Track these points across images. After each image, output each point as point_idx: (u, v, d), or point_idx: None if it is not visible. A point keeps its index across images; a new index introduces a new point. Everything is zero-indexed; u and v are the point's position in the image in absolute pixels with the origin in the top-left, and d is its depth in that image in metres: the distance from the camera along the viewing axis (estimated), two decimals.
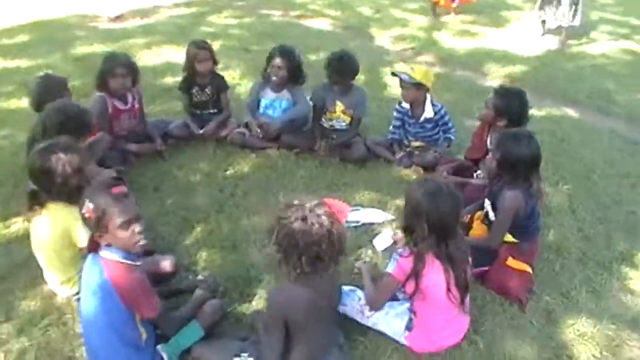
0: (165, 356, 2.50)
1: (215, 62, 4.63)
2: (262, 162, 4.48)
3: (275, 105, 4.64)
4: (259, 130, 4.53)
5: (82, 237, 2.73)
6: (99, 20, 8.19)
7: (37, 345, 2.69)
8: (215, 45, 5.85)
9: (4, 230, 3.51)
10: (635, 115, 5.87)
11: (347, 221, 3.66)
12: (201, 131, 4.61)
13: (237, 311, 2.95)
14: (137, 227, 2.30)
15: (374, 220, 3.75)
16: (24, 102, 5.15)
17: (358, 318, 2.83)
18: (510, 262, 3.15)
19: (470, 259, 2.69)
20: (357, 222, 3.70)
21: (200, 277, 3.11)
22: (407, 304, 2.79)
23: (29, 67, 6.23)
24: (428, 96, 4.34)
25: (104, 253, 2.32)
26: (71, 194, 2.74)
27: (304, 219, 2.21)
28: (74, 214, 2.73)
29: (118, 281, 2.26)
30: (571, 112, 5.86)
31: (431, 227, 2.53)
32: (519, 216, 3.09)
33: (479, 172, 4.05)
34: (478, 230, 3.41)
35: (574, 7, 7.72)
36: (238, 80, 6.00)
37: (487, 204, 3.30)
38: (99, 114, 3.99)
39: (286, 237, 2.24)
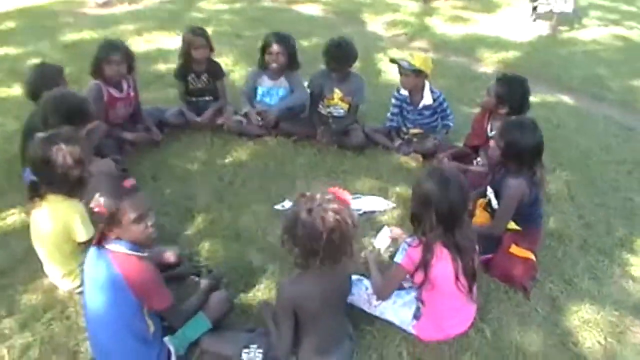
0: (172, 348, 2.47)
1: (211, 49, 4.55)
2: (260, 149, 4.44)
3: (273, 93, 4.60)
4: (259, 119, 4.48)
5: (81, 231, 2.69)
6: (86, 6, 8.02)
7: (40, 340, 2.64)
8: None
9: (0, 223, 3.44)
10: (628, 101, 5.90)
11: None
12: (199, 119, 4.54)
13: (242, 302, 2.93)
14: (149, 220, 2.27)
15: (376, 208, 3.74)
16: (14, 90, 5.07)
17: (365, 308, 2.83)
18: (514, 249, 3.15)
19: (477, 247, 2.69)
20: (359, 210, 3.68)
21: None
22: (414, 293, 2.79)
23: (18, 54, 6.11)
24: (427, 83, 4.32)
25: (112, 246, 2.27)
26: (72, 186, 2.71)
27: (310, 211, 2.18)
28: (74, 207, 2.70)
29: (130, 274, 2.22)
30: (566, 99, 5.88)
31: (440, 217, 2.51)
32: (522, 204, 3.10)
33: (478, 159, 4.05)
34: (481, 217, 3.40)
35: None
36: (231, 67, 5.93)
37: (490, 191, 3.30)
38: (95, 102, 3.87)
39: (290, 226, 2.22)
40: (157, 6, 8.21)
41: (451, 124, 4.47)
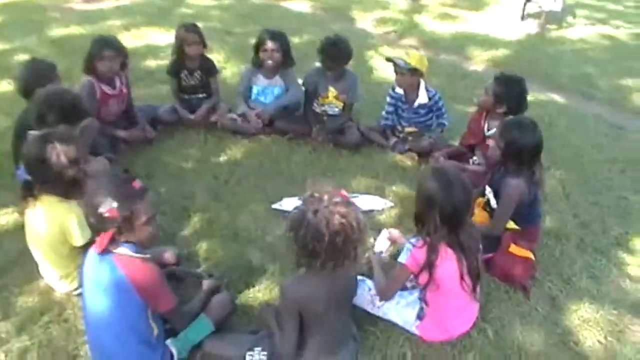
0: (174, 351, 2.43)
1: (204, 46, 4.50)
2: (255, 147, 4.40)
3: (268, 92, 4.56)
4: (259, 122, 4.44)
5: (77, 235, 2.64)
6: (72, 1, 7.89)
7: (38, 343, 2.58)
8: None
9: None
10: (616, 100, 5.96)
11: None
12: (192, 116, 4.49)
13: (242, 303, 2.89)
14: (156, 220, 2.23)
15: (373, 207, 3.72)
16: (2, 86, 4.97)
17: (368, 308, 2.81)
18: (513, 248, 3.15)
19: (481, 247, 2.69)
20: None
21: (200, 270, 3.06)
22: (417, 293, 2.78)
23: (5, 50, 6.00)
24: (422, 82, 4.31)
25: (118, 249, 2.22)
26: (67, 187, 2.64)
27: (316, 212, 2.15)
28: (70, 209, 2.65)
29: (136, 276, 2.18)
30: (556, 97, 5.92)
31: (444, 217, 2.50)
32: (522, 203, 3.11)
33: (474, 158, 4.06)
34: (479, 217, 3.39)
35: None
36: (223, 63, 5.87)
37: (489, 191, 3.29)
38: (87, 98, 3.81)
39: (294, 225, 2.19)
40: (144, 1, 8.11)
41: (446, 123, 4.47)
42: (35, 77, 3.44)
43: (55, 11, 7.42)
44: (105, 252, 2.21)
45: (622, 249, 3.53)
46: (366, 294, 2.80)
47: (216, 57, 5.83)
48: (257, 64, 4.49)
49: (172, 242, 3.25)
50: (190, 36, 4.39)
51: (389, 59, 4.32)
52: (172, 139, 4.43)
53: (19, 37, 6.34)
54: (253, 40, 4.54)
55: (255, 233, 3.43)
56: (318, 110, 4.57)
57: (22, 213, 2.83)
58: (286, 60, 4.48)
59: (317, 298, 2.27)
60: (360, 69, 6.00)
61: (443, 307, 2.66)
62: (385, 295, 2.74)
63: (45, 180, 2.65)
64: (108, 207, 2.13)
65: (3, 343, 2.58)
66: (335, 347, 2.46)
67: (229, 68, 5.79)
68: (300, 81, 4.62)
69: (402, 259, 2.60)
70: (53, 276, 2.81)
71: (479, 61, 6.86)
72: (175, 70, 4.53)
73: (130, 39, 6.42)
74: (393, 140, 4.46)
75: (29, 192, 2.71)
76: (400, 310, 2.76)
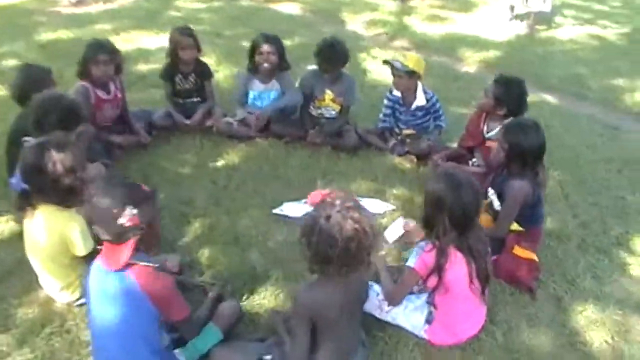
0: None
1: (199, 50, 4.45)
2: (252, 152, 4.36)
3: (264, 96, 4.54)
4: (259, 123, 4.40)
5: (80, 245, 2.57)
6: (59, 5, 7.79)
7: (41, 356, 2.52)
8: None
9: None
10: (609, 100, 5.98)
11: None
12: (188, 121, 4.43)
13: (248, 310, 2.84)
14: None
15: (375, 211, 3.69)
16: None
17: (377, 313, 2.78)
18: (517, 250, 3.15)
19: (489, 249, 2.68)
20: None
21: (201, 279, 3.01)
22: (424, 297, 2.76)
23: None
24: (419, 84, 4.30)
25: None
26: (64, 195, 2.58)
27: (329, 217, 2.11)
28: (71, 218, 2.59)
29: (149, 285, 2.10)
30: (549, 98, 5.93)
31: (453, 220, 2.48)
32: (525, 205, 3.10)
33: (474, 159, 4.05)
34: (482, 219, 3.37)
35: None
36: (215, 66, 5.77)
37: (492, 193, 3.28)
38: (83, 104, 3.76)
39: (307, 231, 2.16)
40: (132, 5, 8.04)
41: (443, 125, 4.47)
42: (31, 82, 3.37)
43: (42, 15, 7.31)
44: (125, 267, 2.12)
45: (623, 249, 3.54)
46: (374, 299, 2.77)
47: (208, 60, 5.75)
48: (253, 69, 4.45)
49: (172, 249, 3.20)
50: (185, 40, 4.33)
51: (386, 62, 4.30)
52: (167, 144, 4.37)
53: (7, 42, 6.22)
54: (244, 43, 4.53)
55: (256, 238, 3.39)
56: (314, 113, 4.54)
57: (19, 222, 2.76)
58: (282, 63, 4.44)
59: (330, 304, 2.23)
60: (354, 71, 5.95)
61: (452, 310, 2.64)
62: (394, 300, 2.71)
63: (42, 188, 2.59)
64: (129, 216, 2.05)
65: (4, 356, 2.52)
66: (346, 355, 2.43)
67: (222, 71, 5.72)
68: (296, 84, 4.58)
69: (411, 263, 2.58)
70: (54, 287, 2.75)
71: (470, 62, 6.87)
72: (169, 74, 4.48)
73: (120, 43, 6.26)
74: (392, 142, 4.44)
75: (26, 201, 2.65)
76: (409, 315, 2.74)
